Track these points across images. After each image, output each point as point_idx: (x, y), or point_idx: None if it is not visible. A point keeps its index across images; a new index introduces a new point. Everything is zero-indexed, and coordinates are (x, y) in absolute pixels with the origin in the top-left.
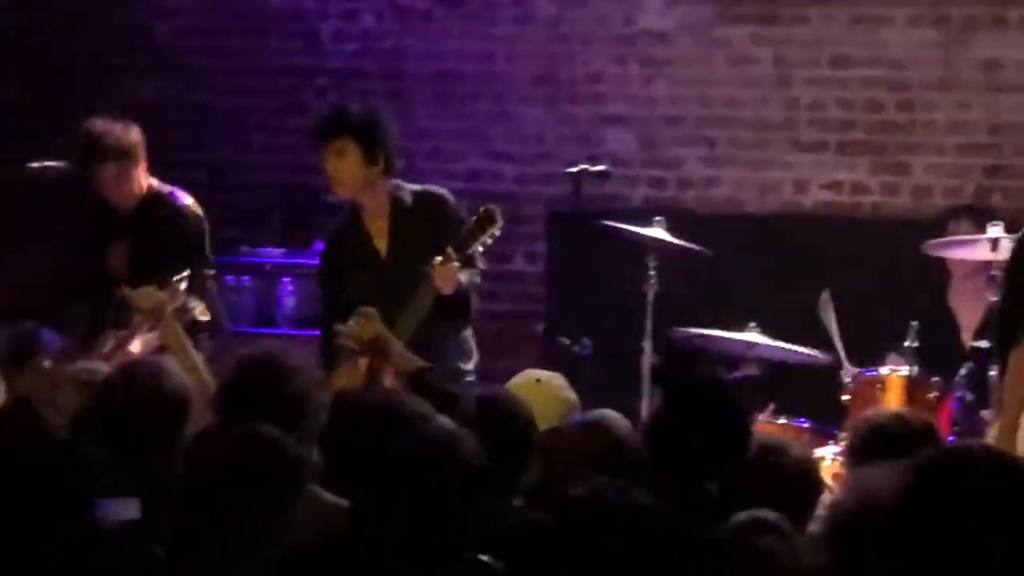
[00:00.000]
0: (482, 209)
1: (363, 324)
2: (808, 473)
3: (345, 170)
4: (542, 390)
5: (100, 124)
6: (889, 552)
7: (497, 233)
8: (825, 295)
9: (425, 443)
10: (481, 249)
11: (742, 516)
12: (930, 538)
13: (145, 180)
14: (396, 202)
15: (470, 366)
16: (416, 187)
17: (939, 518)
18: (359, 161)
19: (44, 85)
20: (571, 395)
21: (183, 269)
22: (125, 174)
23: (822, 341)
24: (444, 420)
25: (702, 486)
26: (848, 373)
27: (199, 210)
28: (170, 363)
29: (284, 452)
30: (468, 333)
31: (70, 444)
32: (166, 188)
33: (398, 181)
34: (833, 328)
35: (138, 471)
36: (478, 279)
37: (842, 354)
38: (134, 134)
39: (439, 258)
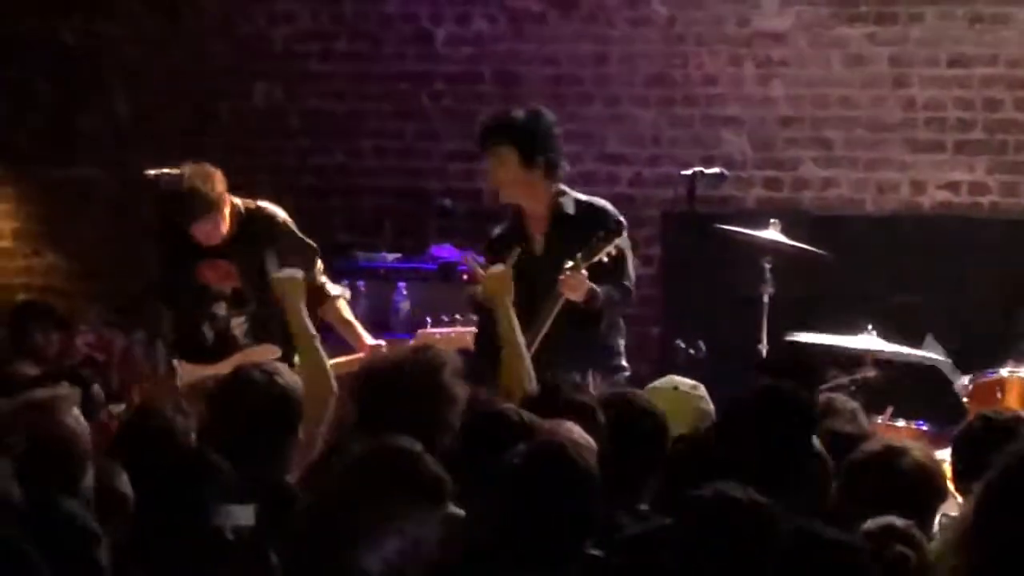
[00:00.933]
0: (614, 221)
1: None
2: (929, 477)
3: (503, 175)
4: (678, 398)
5: (186, 183)
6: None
7: (621, 244)
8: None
9: (536, 454)
10: (605, 259)
11: (872, 523)
12: (1009, 536)
13: (229, 210)
14: (557, 207)
15: (622, 376)
16: (582, 196)
17: (1014, 516)
18: (517, 166)
19: (162, 91)
20: (707, 407)
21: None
22: (215, 223)
23: (940, 341)
24: (563, 429)
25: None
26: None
27: (285, 214)
28: (282, 367)
29: (425, 470)
30: (619, 345)
31: (197, 452)
32: (251, 203)
33: (564, 187)
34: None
35: (252, 477)
36: (616, 294)
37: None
38: (218, 182)
39: (569, 264)
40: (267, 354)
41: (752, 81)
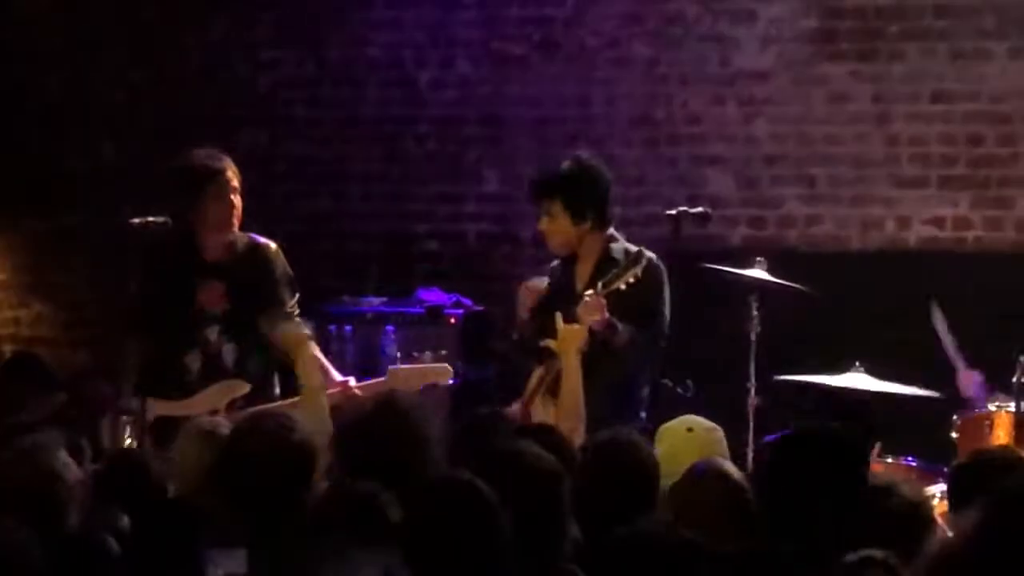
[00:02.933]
0: (634, 251)
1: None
2: (918, 513)
3: (555, 229)
4: (691, 440)
5: (201, 152)
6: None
7: (639, 274)
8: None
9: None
10: (623, 286)
11: (853, 557)
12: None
13: (230, 237)
14: (606, 252)
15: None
16: (632, 247)
17: (1013, 552)
18: (567, 220)
19: (147, 139)
20: (721, 450)
21: (284, 303)
22: (231, 187)
23: (927, 377)
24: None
25: (814, 529)
26: (965, 378)
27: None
28: (297, 416)
29: (380, 510)
30: (641, 394)
31: (175, 498)
32: (246, 236)
33: (616, 234)
34: (946, 338)
35: (263, 525)
36: (640, 337)
37: (958, 363)
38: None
39: (589, 291)
40: (237, 390)
41: (735, 120)
